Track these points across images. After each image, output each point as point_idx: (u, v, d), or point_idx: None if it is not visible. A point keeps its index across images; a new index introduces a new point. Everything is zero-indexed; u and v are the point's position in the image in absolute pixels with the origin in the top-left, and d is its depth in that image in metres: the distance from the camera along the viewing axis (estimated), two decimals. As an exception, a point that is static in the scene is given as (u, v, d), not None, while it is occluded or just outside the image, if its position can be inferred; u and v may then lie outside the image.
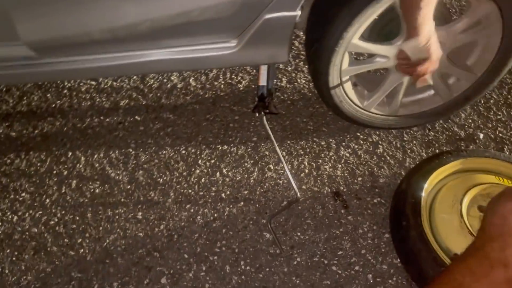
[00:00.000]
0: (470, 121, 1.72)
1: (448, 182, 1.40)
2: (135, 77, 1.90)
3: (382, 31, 1.46)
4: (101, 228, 1.47)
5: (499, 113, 1.75)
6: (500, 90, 1.82)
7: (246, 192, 1.55)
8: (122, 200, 1.54)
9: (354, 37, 1.32)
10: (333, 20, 1.28)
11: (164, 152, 1.66)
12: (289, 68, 1.93)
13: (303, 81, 1.88)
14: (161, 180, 1.58)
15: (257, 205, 1.52)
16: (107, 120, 1.77)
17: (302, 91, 1.86)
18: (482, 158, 1.45)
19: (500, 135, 1.68)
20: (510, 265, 0.72)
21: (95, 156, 1.65)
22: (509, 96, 1.80)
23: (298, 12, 1.25)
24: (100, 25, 1.20)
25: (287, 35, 1.33)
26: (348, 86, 1.49)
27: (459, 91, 1.56)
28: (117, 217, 1.50)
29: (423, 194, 1.35)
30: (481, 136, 1.66)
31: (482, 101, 1.78)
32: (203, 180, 1.58)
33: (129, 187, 1.57)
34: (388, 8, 1.34)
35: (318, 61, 1.40)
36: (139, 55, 1.35)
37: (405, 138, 1.67)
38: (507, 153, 1.62)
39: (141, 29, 1.24)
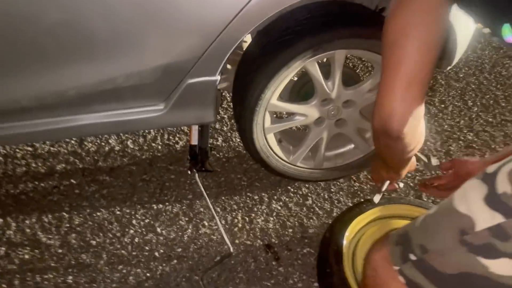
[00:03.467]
0: (391, 171, 1.85)
1: (368, 228, 1.49)
2: (72, 141, 1.94)
3: (299, 92, 1.61)
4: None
5: (417, 163, 1.89)
6: (417, 142, 1.99)
7: (179, 249, 1.57)
8: (52, 264, 1.51)
9: (272, 98, 1.44)
10: (251, 84, 1.41)
11: (98, 214, 1.67)
12: (225, 128, 2.03)
13: (238, 140, 1.97)
14: (94, 242, 1.58)
15: (190, 262, 1.54)
16: (42, 184, 1.77)
17: (237, 149, 1.95)
18: (398, 204, 1.56)
19: (419, 183, 1.81)
20: None
21: (27, 221, 1.64)
22: (425, 148, 1.96)
23: (217, 77, 1.37)
24: (27, 93, 1.27)
25: (211, 97, 1.44)
26: (273, 142, 1.60)
27: None
28: (46, 282, 1.47)
29: (345, 242, 1.42)
30: (401, 185, 1.78)
31: (402, 153, 1.93)
32: (136, 240, 1.59)
33: (60, 251, 1.55)
34: (301, 71, 1.50)
35: (242, 120, 1.50)
36: (69, 120, 1.41)
37: (332, 190, 1.78)
38: (425, 199, 1.74)
39: (68, 95, 1.31)
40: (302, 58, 1.35)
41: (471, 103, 2.21)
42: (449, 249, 0.69)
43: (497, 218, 0.64)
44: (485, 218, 0.65)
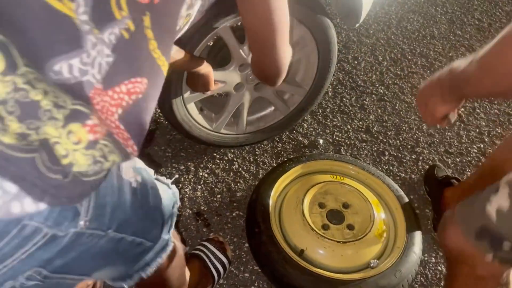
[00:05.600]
0: (312, 129, 1.93)
1: (292, 186, 1.56)
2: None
3: (215, 58, 1.59)
4: None
5: (335, 119, 1.99)
6: (334, 99, 2.08)
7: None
8: None
9: (188, 66, 1.41)
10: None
11: None
12: (144, 100, 1.97)
13: (158, 111, 1.93)
14: None
15: (120, 239, 1.51)
16: None
17: (159, 120, 1.91)
18: (318, 160, 1.64)
19: (337, 138, 1.91)
20: None
21: None
22: (341, 104, 2.06)
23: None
24: None
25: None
26: (195, 111, 1.58)
27: (295, 104, 1.75)
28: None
29: (271, 201, 1.48)
30: (321, 141, 1.87)
31: (320, 111, 2.01)
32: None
33: None
34: (216, 37, 1.47)
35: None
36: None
37: (257, 152, 1.82)
38: (344, 153, 1.85)
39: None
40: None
41: (381, 58, 2.33)
42: None
43: None
44: None
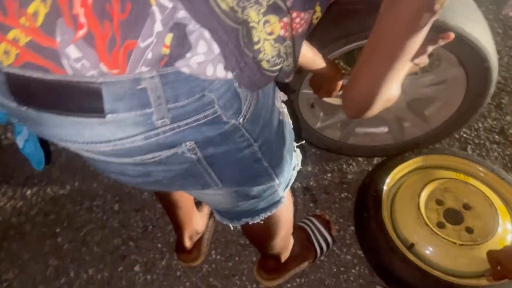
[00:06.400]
0: (437, 122, 1.80)
1: (409, 177, 1.48)
2: None
3: (346, 59, 1.50)
4: (78, 218, 1.54)
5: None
6: (466, 94, 1.91)
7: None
8: (100, 192, 1.60)
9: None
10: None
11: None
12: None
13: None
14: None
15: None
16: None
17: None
18: (441, 155, 1.53)
19: (464, 135, 1.76)
20: None
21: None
22: (474, 99, 1.88)
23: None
24: None
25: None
26: (304, 106, 1.47)
27: (411, 136, 1.57)
28: (95, 208, 1.56)
29: (385, 188, 1.42)
30: (446, 136, 1.74)
31: (449, 104, 1.86)
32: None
33: (107, 180, 1.63)
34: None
35: None
36: None
37: (374, 137, 1.75)
38: (470, 152, 1.70)
39: None
40: None
41: (530, 55, 2.08)
42: None
43: None
44: None
